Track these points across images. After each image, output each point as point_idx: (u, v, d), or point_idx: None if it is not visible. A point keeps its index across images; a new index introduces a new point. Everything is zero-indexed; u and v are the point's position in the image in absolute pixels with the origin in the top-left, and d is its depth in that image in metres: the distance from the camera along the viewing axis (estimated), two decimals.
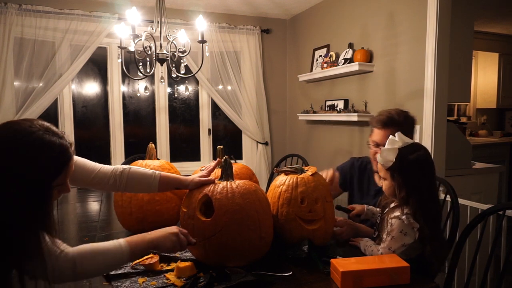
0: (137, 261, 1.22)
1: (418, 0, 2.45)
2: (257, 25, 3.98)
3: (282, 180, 1.41)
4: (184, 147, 4.05)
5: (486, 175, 2.74)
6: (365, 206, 1.60)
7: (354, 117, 2.90)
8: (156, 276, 1.18)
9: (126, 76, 3.67)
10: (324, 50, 3.47)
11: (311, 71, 3.60)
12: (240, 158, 4.19)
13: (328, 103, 3.39)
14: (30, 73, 3.21)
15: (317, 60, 3.56)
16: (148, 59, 2.34)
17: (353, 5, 3.11)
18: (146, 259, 1.22)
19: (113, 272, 1.18)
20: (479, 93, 5.16)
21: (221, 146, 1.68)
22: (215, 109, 4.05)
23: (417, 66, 2.47)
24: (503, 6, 3.86)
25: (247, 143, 4.16)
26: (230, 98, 3.93)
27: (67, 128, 3.47)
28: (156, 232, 1.13)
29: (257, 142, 4.06)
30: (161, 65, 2.33)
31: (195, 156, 4.02)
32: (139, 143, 3.78)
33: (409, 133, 1.63)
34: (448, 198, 1.75)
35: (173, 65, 2.39)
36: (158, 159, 1.72)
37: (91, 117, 3.67)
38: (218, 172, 1.48)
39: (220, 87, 3.95)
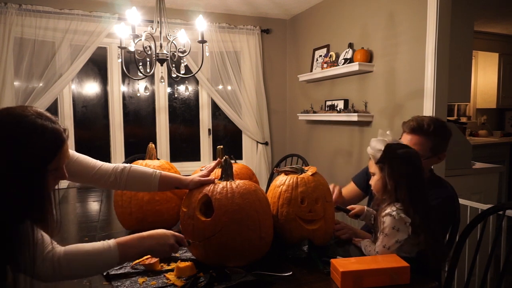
0: (137, 261, 1.22)
1: (418, 0, 2.45)
2: (257, 25, 3.98)
3: (282, 180, 1.41)
4: (184, 147, 4.05)
5: (486, 175, 2.74)
6: (364, 207, 1.60)
7: (354, 117, 2.91)
8: (156, 276, 1.18)
9: (126, 76, 3.67)
10: (324, 50, 3.47)
11: (311, 71, 3.60)
12: (240, 158, 4.19)
13: (328, 103, 3.39)
14: (30, 73, 3.21)
15: (317, 60, 3.56)
16: (148, 59, 2.34)
17: (353, 5, 3.11)
18: (146, 259, 1.22)
19: (113, 272, 1.18)
20: (479, 93, 5.16)
21: (221, 146, 1.68)
22: (215, 109, 4.05)
23: (417, 66, 2.47)
24: (503, 6, 3.86)
25: (247, 143, 4.16)
26: (230, 98, 3.93)
27: None
28: (152, 238, 1.10)
29: (257, 142, 4.06)
30: (161, 65, 2.33)
31: (195, 156, 4.02)
32: (139, 143, 3.78)
33: (439, 146, 1.54)
34: None
35: (173, 65, 2.39)
36: (158, 159, 1.72)
37: (91, 117, 3.67)
38: (218, 172, 1.48)
39: (220, 87, 3.95)
